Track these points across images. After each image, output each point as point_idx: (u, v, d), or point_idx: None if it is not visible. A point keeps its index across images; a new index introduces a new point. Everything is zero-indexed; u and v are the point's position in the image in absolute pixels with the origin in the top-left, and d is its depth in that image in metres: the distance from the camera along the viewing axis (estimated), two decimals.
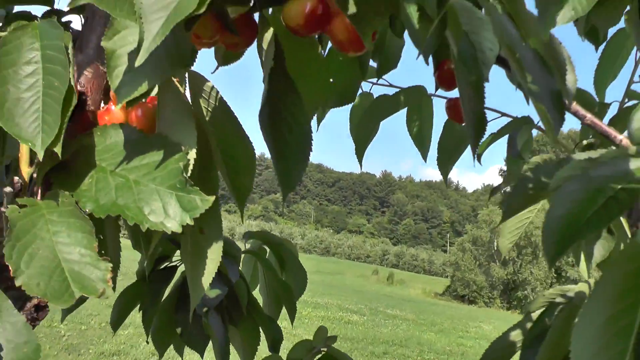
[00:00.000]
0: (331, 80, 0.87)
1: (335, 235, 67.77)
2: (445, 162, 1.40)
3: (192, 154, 0.65)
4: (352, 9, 0.56)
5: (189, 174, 0.61)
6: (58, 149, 0.59)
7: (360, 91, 1.36)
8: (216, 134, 0.87)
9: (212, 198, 0.58)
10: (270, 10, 0.78)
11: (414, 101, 1.44)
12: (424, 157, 1.64)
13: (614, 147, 1.04)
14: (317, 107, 0.83)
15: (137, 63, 0.51)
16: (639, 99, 1.21)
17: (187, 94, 0.89)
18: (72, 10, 0.86)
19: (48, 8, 0.87)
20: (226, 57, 0.82)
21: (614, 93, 1.42)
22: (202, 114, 0.87)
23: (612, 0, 1.09)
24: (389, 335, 11.46)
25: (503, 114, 1.37)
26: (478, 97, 0.74)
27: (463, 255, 29.31)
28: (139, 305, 1.46)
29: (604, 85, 1.50)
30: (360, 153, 1.48)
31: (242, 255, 1.73)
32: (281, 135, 0.71)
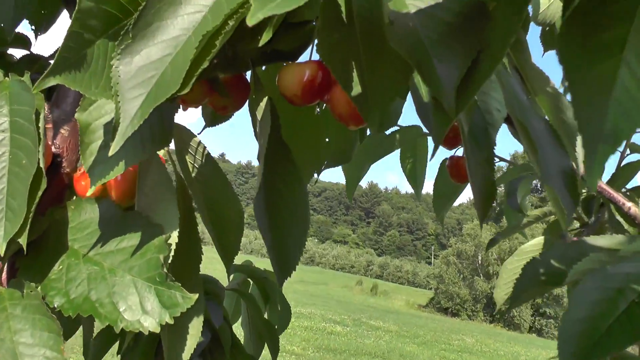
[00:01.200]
0: (327, 139, 0.80)
1: (320, 244, 67.56)
2: (441, 207, 1.34)
3: (174, 237, 0.59)
4: (356, 89, 0.50)
5: (170, 260, 0.55)
6: (23, 240, 0.52)
7: None
8: (203, 191, 0.81)
9: (195, 296, 0.52)
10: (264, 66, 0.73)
11: (409, 140, 1.39)
12: (418, 195, 1.59)
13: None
14: (312, 171, 0.77)
15: (111, 152, 0.45)
16: None
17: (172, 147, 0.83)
18: (52, 56, 0.80)
19: (26, 52, 0.81)
20: (214, 118, 0.75)
21: None
22: (188, 170, 0.81)
23: None
24: (372, 347, 11.39)
25: (501, 159, 1.33)
26: (489, 169, 0.69)
27: (447, 268, 29.33)
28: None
29: None
30: (350, 192, 1.42)
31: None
32: (279, 216, 0.64)
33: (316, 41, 0.53)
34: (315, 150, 0.74)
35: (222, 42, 0.47)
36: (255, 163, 0.73)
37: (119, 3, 0.51)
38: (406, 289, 41.84)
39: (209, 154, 0.81)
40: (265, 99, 0.60)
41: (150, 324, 0.51)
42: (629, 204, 0.86)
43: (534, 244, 1.20)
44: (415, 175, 1.52)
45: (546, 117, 0.75)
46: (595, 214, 1.31)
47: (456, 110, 0.42)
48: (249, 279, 1.82)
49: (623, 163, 1.22)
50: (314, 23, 0.63)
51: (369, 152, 1.32)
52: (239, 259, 1.52)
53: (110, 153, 0.45)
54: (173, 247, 0.57)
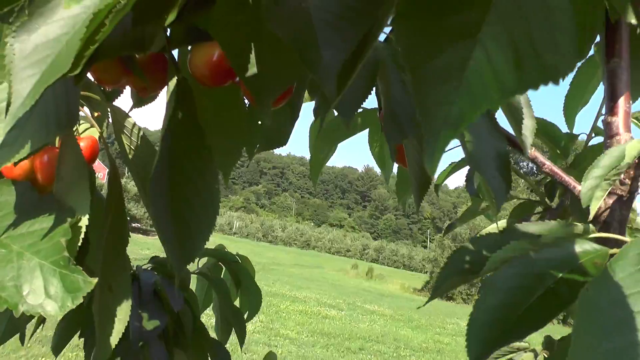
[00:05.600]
0: (259, 122, 0.79)
1: (316, 228, 67.59)
2: (403, 192, 1.33)
3: (84, 221, 0.58)
4: (252, 69, 0.49)
5: (79, 244, 0.54)
6: None
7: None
8: (139, 174, 0.80)
9: (95, 280, 0.51)
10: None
11: (375, 122, 1.37)
12: (386, 178, 1.58)
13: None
14: (237, 157, 0.76)
15: (3, 131, 0.44)
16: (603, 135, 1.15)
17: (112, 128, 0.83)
18: None
19: None
20: (139, 99, 0.75)
21: (586, 120, 1.36)
22: (125, 152, 0.81)
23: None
24: (366, 331, 11.42)
25: None
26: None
27: (442, 251, 29.39)
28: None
29: (574, 113, 1.44)
30: (314, 175, 1.41)
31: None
32: (185, 200, 0.62)
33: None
34: (245, 134, 0.73)
35: (114, 22, 0.46)
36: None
37: None
38: (402, 273, 41.98)
39: (144, 136, 0.80)
40: (174, 80, 0.59)
41: (52, 308, 0.51)
42: (579, 187, 0.85)
43: (495, 228, 1.19)
44: (383, 157, 1.51)
45: None
46: (559, 197, 1.30)
47: (336, 95, 0.41)
48: (220, 264, 1.82)
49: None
50: None
51: (329, 135, 1.31)
52: None
53: (3, 132, 0.44)
54: (83, 229, 0.56)
